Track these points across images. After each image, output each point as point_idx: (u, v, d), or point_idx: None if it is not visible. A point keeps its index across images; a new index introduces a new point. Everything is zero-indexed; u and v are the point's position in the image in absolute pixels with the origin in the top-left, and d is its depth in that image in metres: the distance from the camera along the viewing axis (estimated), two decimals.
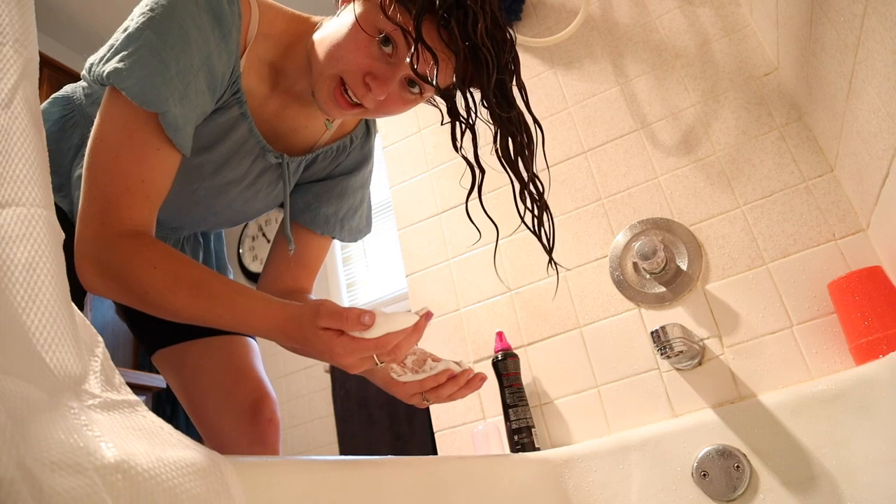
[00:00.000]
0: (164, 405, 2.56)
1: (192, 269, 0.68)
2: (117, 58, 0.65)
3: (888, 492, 0.92)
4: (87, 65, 0.70)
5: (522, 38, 1.47)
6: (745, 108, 1.29)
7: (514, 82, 0.76)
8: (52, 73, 2.48)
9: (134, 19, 0.68)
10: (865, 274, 1.04)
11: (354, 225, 1.01)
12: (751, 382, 1.13)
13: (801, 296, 1.14)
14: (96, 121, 0.69)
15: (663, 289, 1.24)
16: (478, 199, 0.77)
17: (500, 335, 1.31)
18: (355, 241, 1.01)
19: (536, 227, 0.80)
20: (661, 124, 1.36)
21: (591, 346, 1.29)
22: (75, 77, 2.57)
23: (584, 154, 1.42)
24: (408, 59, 0.69)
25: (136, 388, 2.35)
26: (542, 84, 1.51)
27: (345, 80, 0.73)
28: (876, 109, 0.82)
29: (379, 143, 1.62)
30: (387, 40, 0.70)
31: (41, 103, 0.88)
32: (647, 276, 1.26)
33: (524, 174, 0.78)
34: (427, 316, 0.70)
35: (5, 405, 0.25)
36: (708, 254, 1.24)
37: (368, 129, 1.00)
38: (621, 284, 1.29)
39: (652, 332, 1.10)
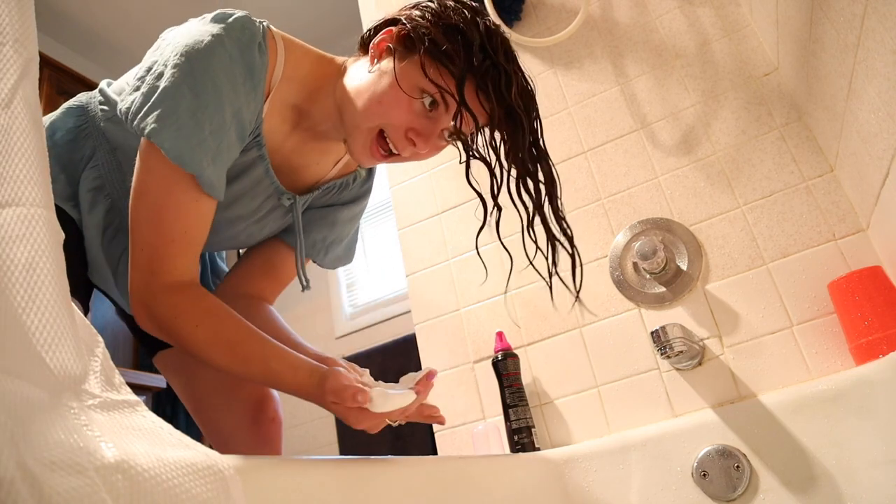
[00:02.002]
0: (164, 405, 2.56)
1: (230, 329, 0.73)
2: (154, 116, 0.67)
3: (888, 492, 0.92)
4: (122, 108, 0.71)
5: (522, 38, 1.47)
6: (745, 108, 1.29)
7: (541, 134, 0.80)
8: (52, 73, 2.48)
9: (168, 67, 0.68)
10: (865, 274, 1.04)
11: (337, 253, 1.03)
12: (751, 382, 1.13)
13: (801, 296, 1.14)
14: (137, 169, 0.72)
15: (663, 289, 1.24)
16: (495, 233, 0.82)
17: (500, 335, 1.31)
18: (333, 268, 1.04)
19: (569, 270, 0.85)
20: (661, 124, 1.36)
21: (591, 346, 1.29)
22: (75, 77, 2.57)
23: (584, 154, 1.42)
24: (452, 122, 0.73)
25: (136, 388, 2.35)
26: (542, 84, 1.51)
27: (387, 134, 0.76)
28: (876, 109, 0.82)
29: None
30: (434, 102, 0.74)
31: (43, 103, 0.88)
32: (647, 276, 1.26)
33: (550, 221, 0.82)
34: (430, 376, 0.74)
35: (5, 405, 0.25)
36: (708, 254, 1.24)
37: (370, 169, 1.03)
38: (621, 284, 1.29)
39: (652, 332, 1.10)
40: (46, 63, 2.46)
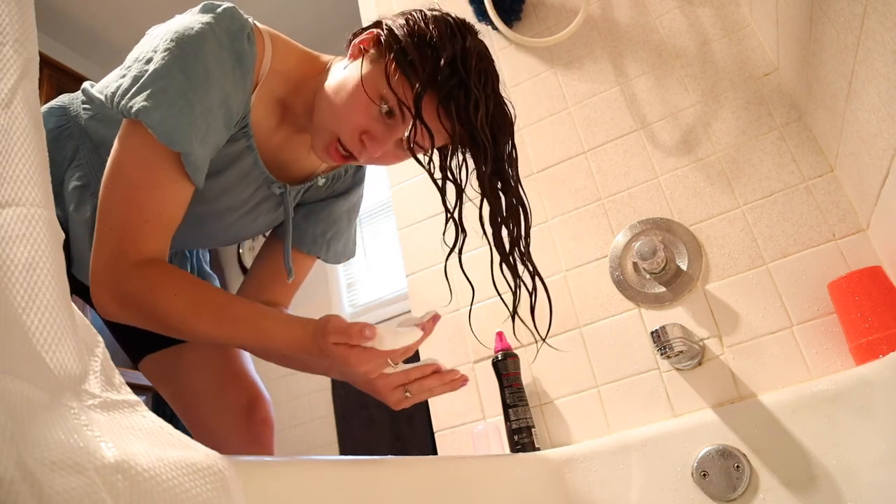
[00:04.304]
0: (164, 405, 2.55)
1: (211, 295, 0.72)
2: (144, 95, 0.66)
3: (888, 492, 0.92)
4: (107, 93, 0.71)
5: (522, 38, 1.47)
6: (745, 108, 1.29)
7: (511, 166, 0.78)
8: (52, 73, 2.48)
9: (158, 52, 0.68)
10: (865, 274, 1.04)
11: (339, 248, 1.02)
12: (751, 382, 1.13)
13: (801, 296, 1.14)
14: (114, 151, 0.71)
15: (663, 289, 1.24)
16: (457, 260, 0.80)
17: (500, 335, 1.31)
18: (338, 262, 1.03)
19: (530, 303, 0.82)
20: (661, 124, 1.36)
21: (591, 346, 1.29)
22: (75, 77, 2.57)
23: (584, 154, 1.42)
24: (406, 134, 0.71)
25: (136, 388, 2.35)
26: (542, 84, 1.51)
27: (340, 137, 0.75)
28: (876, 109, 0.82)
29: None
30: (390, 110, 0.72)
31: (43, 104, 0.88)
32: (647, 276, 1.26)
33: (515, 253, 0.79)
34: (434, 319, 0.74)
35: (5, 405, 0.25)
36: (708, 254, 1.24)
37: None
38: (621, 284, 1.29)
39: (652, 332, 1.09)
40: (46, 63, 2.46)
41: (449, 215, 0.77)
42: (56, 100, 0.89)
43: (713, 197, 1.26)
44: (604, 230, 1.34)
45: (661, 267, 1.24)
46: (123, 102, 0.67)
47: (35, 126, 0.36)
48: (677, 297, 1.23)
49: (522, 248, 0.79)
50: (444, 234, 0.76)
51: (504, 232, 0.78)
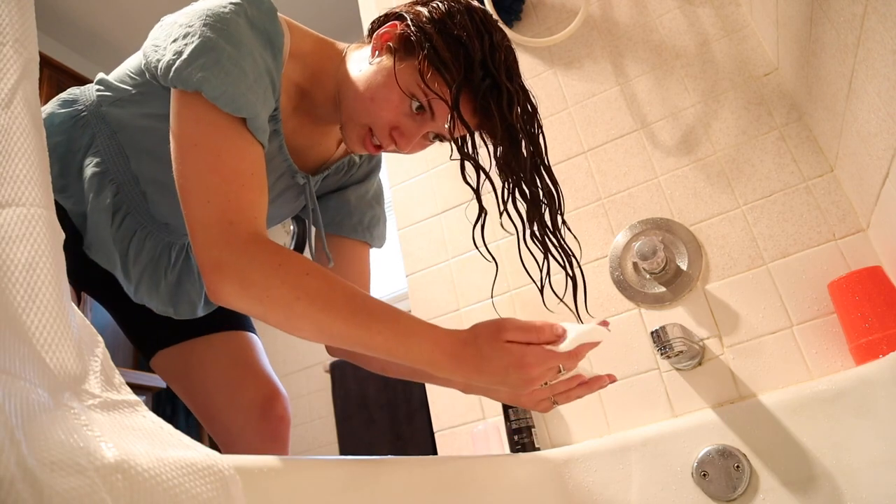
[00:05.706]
0: (164, 405, 2.56)
1: (345, 283, 0.64)
2: (197, 66, 0.65)
3: (888, 492, 0.92)
4: (151, 67, 0.70)
5: (522, 38, 1.46)
6: (745, 108, 1.29)
7: (545, 156, 0.79)
8: (52, 73, 2.48)
9: (195, 27, 0.68)
10: (865, 274, 1.04)
11: (380, 232, 1.05)
12: (751, 382, 1.13)
13: (801, 296, 1.14)
14: (179, 125, 0.67)
15: (663, 289, 1.24)
16: (482, 239, 0.80)
17: None
18: (381, 246, 1.06)
19: (570, 288, 0.82)
20: (661, 124, 1.36)
21: None
22: (75, 77, 2.57)
23: (584, 154, 1.42)
24: (445, 128, 0.73)
25: (136, 388, 2.35)
26: (542, 84, 1.51)
27: (373, 130, 0.77)
28: (876, 109, 0.82)
29: None
30: (421, 106, 0.74)
31: (43, 103, 0.87)
32: (647, 276, 1.26)
33: (551, 239, 0.80)
34: (604, 324, 0.72)
35: (5, 405, 0.25)
36: (708, 254, 1.24)
37: None
38: (621, 284, 1.29)
39: (652, 332, 1.09)
40: (46, 63, 2.46)
41: (480, 206, 0.79)
42: (64, 93, 0.89)
43: (713, 197, 1.26)
44: (604, 230, 1.34)
45: (661, 267, 1.24)
46: (178, 75, 0.66)
47: (35, 126, 0.36)
48: (677, 297, 1.23)
49: (560, 231, 0.80)
50: (466, 209, 0.79)
51: (536, 216, 0.80)
